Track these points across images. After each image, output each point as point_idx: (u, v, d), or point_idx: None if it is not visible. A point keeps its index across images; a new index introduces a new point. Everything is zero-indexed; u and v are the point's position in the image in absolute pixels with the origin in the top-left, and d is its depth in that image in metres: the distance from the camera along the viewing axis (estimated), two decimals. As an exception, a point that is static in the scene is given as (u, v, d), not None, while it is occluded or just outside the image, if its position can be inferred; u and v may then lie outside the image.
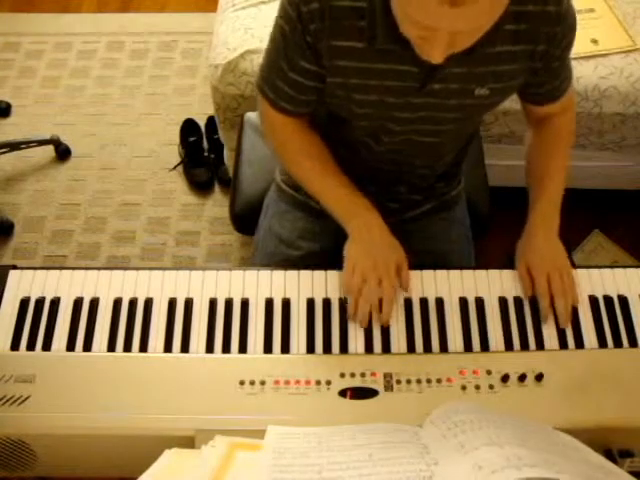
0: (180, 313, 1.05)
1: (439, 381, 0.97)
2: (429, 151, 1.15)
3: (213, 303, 1.06)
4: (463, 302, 1.07)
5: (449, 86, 0.99)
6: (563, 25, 0.97)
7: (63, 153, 2.35)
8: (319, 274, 1.09)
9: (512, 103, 1.65)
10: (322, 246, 1.12)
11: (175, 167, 2.32)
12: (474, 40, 0.85)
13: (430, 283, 1.09)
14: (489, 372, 0.98)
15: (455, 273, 1.10)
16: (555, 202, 1.13)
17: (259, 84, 1.09)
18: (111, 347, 1.02)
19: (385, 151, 1.13)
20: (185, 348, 1.02)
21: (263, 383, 0.96)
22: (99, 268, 1.12)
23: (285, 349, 1.02)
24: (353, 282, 1.03)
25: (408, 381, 0.97)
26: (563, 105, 1.16)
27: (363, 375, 0.97)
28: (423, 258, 1.22)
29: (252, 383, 0.96)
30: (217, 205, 2.23)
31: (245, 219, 1.51)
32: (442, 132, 1.10)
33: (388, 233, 1.08)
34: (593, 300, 1.08)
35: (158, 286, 1.08)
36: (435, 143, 1.12)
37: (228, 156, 2.08)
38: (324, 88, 1.04)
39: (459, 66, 0.95)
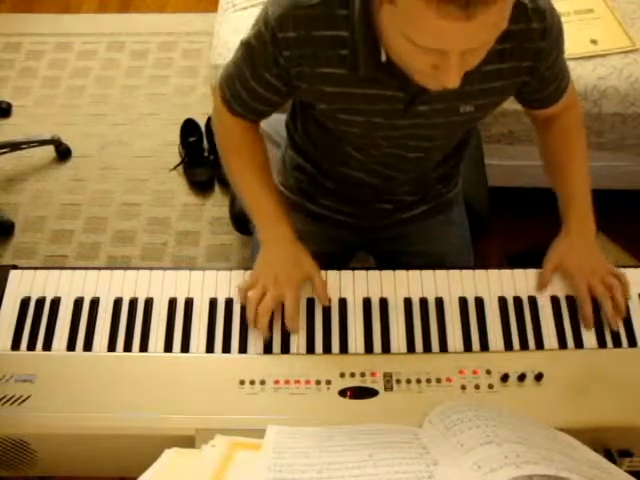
0: (180, 313, 1.05)
1: (439, 381, 0.97)
2: (418, 162, 1.16)
3: (213, 303, 1.06)
4: (463, 302, 1.07)
5: (434, 107, 1.00)
6: (548, 40, 0.97)
7: (63, 153, 2.34)
8: (319, 274, 1.09)
9: (512, 104, 1.64)
10: (318, 248, 1.12)
11: (175, 167, 2.32)
12: (482, 57, 0.84)
13: (430, 283, 1.09)
14: (489, 372, 0.98)
15: (455, 273, 1.10)
16: (586, 201, 1.12)
17: (220, 81, 1.09)
18: (111, 347, 1.02)
19: (375, 162, 1.14)
20: (185, 348, 1.02)
21: (263, 383, 0.97)
22: (99, 268, 1.13)
23: (285, 349, 1.02)
24: (252, 294, 1.03)
25: (408, 381, 0.97)
26: (565, 104, 1.15)
27: (363, 375, 0.98)
28: (421, 260, 1.23)
29: (252, 383, 0.97)
30: (217, 205, 2.23)
31: (245, 219, 1.50)
32: (430, 147, 1.11)
33: (298, 249, 1.08)
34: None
35: (158, 286, 1.08)
36: (423, 156, 1.13)
37: (228, 156, 2.08)
38: (315, 110, 1.06)
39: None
